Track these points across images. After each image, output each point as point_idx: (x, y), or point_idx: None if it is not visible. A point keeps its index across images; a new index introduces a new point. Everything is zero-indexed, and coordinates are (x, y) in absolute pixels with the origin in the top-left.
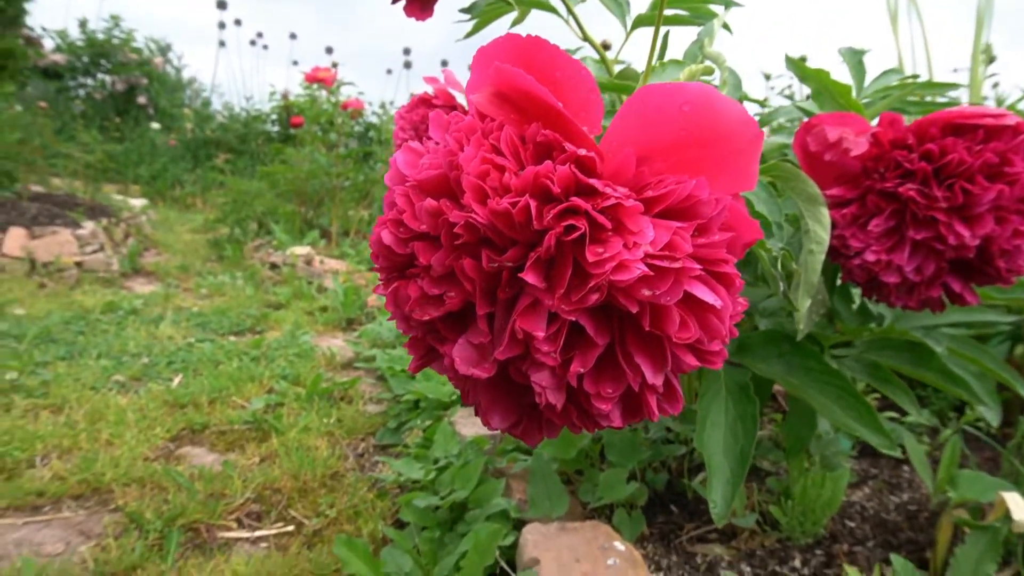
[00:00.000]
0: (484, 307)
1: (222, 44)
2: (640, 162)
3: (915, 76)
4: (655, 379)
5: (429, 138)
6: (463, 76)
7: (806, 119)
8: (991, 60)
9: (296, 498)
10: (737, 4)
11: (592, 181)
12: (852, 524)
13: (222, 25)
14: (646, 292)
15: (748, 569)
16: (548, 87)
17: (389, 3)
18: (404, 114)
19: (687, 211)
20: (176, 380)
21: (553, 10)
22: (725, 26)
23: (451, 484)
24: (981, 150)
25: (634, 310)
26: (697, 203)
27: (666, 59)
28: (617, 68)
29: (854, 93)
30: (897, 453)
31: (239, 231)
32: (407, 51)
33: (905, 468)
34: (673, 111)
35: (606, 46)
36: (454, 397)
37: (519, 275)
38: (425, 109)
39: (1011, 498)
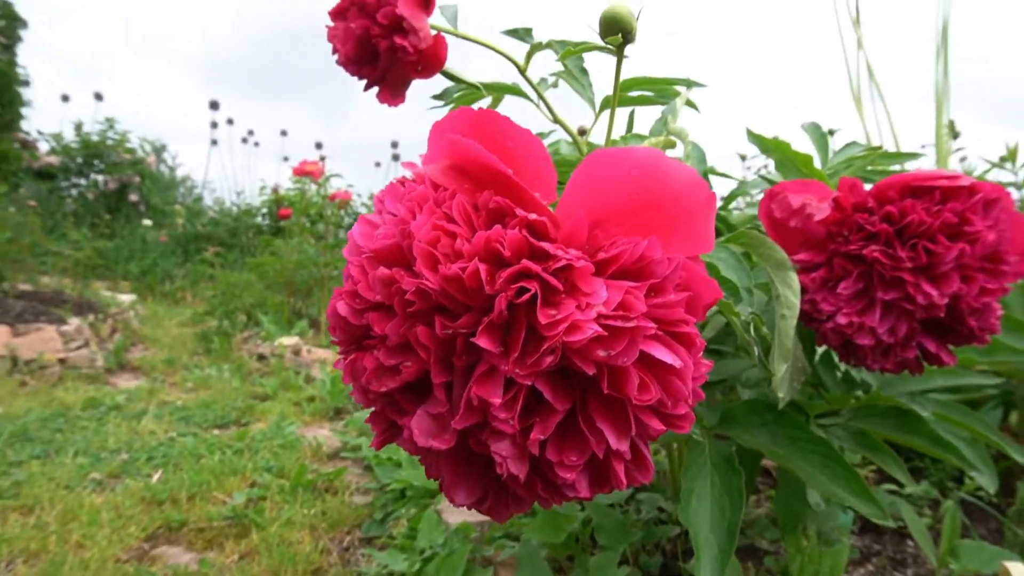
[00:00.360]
0: (440, 376)
1: (214, 142)
2: (594, 226)
3: (878, 148)
4: (619, 445)
5: (383, 210)
6: None
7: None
8: (955, 135)
9: None
10: (699, 85)
11: (544, 244)
12: None
13: (214, 124)
14: (601, 353)
15: None
16: (501, 157)
17: (370, 95)
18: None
19: (640, 271)
20: (155, 476)
21: (523, 95)
22: (690, 103)
23: (437, 575)
24: (939, 210)
25: (591, 372)
26: (650, 263)
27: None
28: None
29: (819, 165)
30: (889, 523)
31: (227, 323)
32: (395, 144)
33: (909, 543)
34: (622, 175)
35: (582, 131)
36: None
37: (472, 340)
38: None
39: (1014, 567)
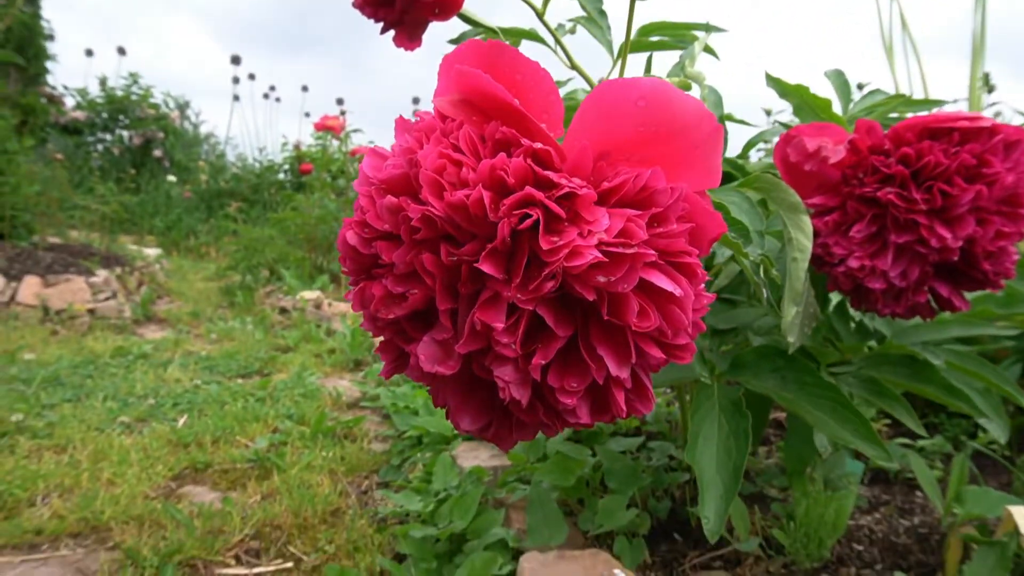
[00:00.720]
0: (446, 303)
1: (236, 98)
2: (599, 157)
3: (901, 95)
4: (620, 372)
5: (394, 144)
6: None
7: None
8: (991, 89)
9: (296, 535)
10: (719, 30)
11: (548, 173)
12: (860, 547)
13: (236, 80)
14: (601, 278)
15: None
16: (510, 89)
17: (391, 52)
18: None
19: (643, 201)
20: (181, 420)
21: (541, 40)
22: (709, 49)
23: (449, 516)
24: (957, 152)
25: (590, 298)
26: (653, 192)
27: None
28: None
29: (840, 111)
30: (895, 466)
31: (250, 278)
32: (416, 100)
33: (918, 494)
34: (629, 106)
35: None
36: (456, 432)
37: (476, 267)
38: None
39: (1018, 512)
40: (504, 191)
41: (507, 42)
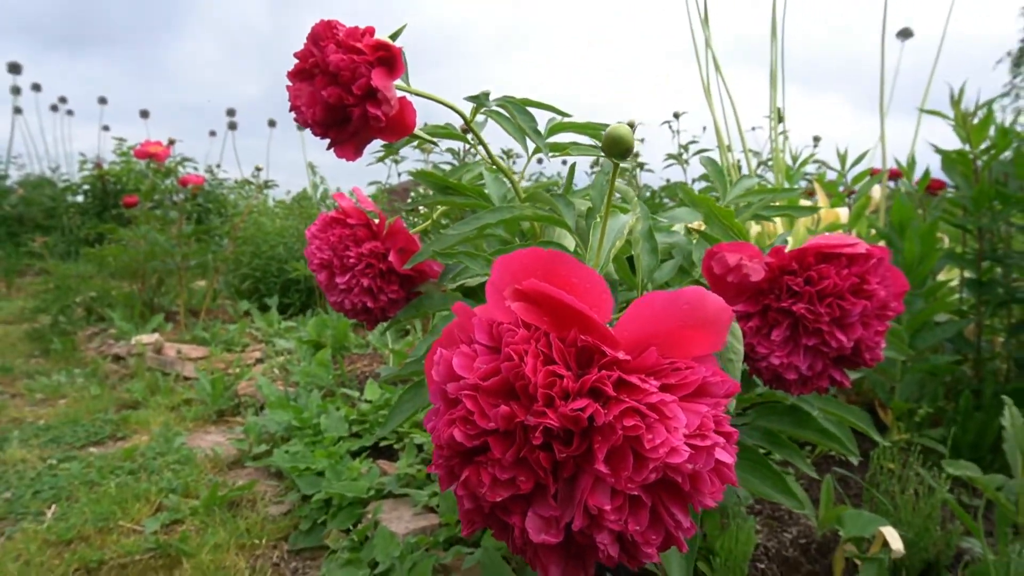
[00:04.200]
0: (553, 487)
1: (18, 111)
2: (649, 340)
3: (763, 183)
4: (686, 522)
5: (474, 341)
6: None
7: (706, 243)
8: (781, 119)
9: None
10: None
11: (632, 379)
12: (762, 566)
13: (17, 90)
14: (689, 467)
15: None
16: (568, 291)
17: (187, 38)
18: (318, 233)
19: (702, 391)
20: (49, 512)
21: (459, 137)
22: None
23: None
24: (847, 274)
25: (679, 480)
26: (709, 385)
27: (578, 179)
28: (524, 184)
29: (720, 200)
30: (807, 510)
31: (64, 319)
32: (231, 112)
33: (782, 505)
34: (676, 309)
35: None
36: (371, 493)
37: (584, 463)
38: (341, 229)
39: (888, 532)
40: (603, 399)
41: (435, 142)
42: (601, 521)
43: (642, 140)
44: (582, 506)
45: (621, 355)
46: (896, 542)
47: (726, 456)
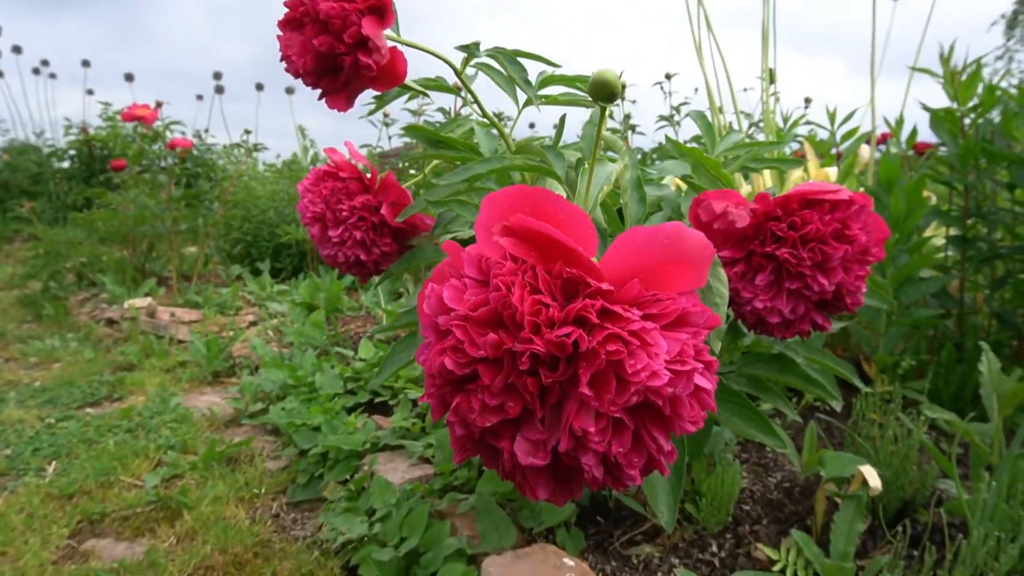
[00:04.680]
0: (540, 412)
1: None
2: (632, 275)
3: (754, 142)
4: (668, 445)
5: (464, 275)
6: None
7: (694, 193)
8: (773, 81)
9: (235, 572)
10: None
11: (616, 308)
12: (747, 507)
13: None
14: (669, 390)
15: (676, 560)
16: (555, 226)
17: (180, 12)
18: (310, 187)
19: (682, 321)
20: (51, 468)
21: (450, 90)
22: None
23: (398, 533)
24: (829, 220)
25: (660, 404)
26: (689, 314)
27: (568, 140)
28: (515, 139)
29: (709, 153)
30: (788, 449)
31: (55, 285)
32: (218, 75)
33: (768, 451)
34: (656, 244)
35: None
36: (367, 446)
37: (570, 388)
38: (333, 182)
39: (866, 470)
40: (587, 326)
41: (427, 93)
42: (586, 443)
43: (634, 102)
44: (567, 429)
45: (605, 286)
46: (874, 480)
47: (705, 382)
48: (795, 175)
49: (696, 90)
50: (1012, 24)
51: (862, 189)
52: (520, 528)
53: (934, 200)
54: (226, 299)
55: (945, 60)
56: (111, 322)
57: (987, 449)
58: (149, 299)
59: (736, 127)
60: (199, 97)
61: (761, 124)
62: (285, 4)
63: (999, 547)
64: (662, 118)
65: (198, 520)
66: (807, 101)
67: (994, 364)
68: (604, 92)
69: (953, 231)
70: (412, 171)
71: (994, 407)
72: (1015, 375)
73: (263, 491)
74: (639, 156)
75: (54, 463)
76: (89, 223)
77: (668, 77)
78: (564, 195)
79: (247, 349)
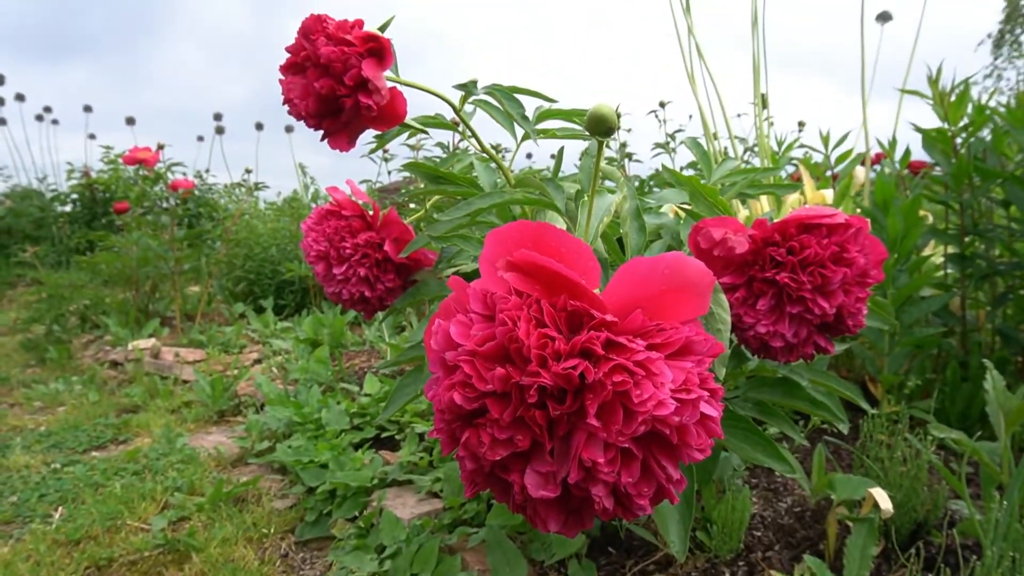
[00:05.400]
0: (549, 444)
1: (2, 122)
2: (635, 305)
3: (749, 168)
4: (676, 474)
5: (470, 311)
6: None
7: (693, 221)
8: (766, 106)
9: None
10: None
11: (620, 339)
12: (759, 534)
13: (0, 101)
14: (676, 419)
15: None
16: (557, 259)
17: (168, 46)
18: (314, 226)
19: (686, 349)
20: (57, 514)
21: (448, 126)
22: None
23: (409, 570)
24: (827, 243)
25: (667, 432)
26: (692, 343)
27: (567, 169)
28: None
29: (705, 180)
30: (797, 474)
31: (58, 328)
32: (218, 117)
33: (776, 474)
34: (657, 273)
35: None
36: (375, 482)
37: (578, 419)
38: (336, 220)
39: (877, 493)
40: (593, 358)
41: (427, 131)
42: (595, 474)
43: (629, 130)
44: (577, 460)
45: (609, 317)
46: (885, 502)
47: (711, 410)
48: (792, 198)
49: (690, 116)
50: (999, 43)
51: (859, 211)
52: (531, 561)
53: (931, 219)
54: (230, 337)
55: (933, 82)
56: (115, 364)
57: (997, 468)
58: (153, 340)
59: (731, 152)
60: (200, 138)
61: (756, 148)
62: (287, 49)
63: (1014, 567)
64: (658, 145)
65: (207, 562)
66: (800, 125)
67: (999, 382)
68: (601, 127)
69: (951, 249)
70: (412, 205)
71: (1001, 425)
72: (1020, 392)
73: (271, 531)
74: (636, 184)
75: (60, 509)
76: (92, 266)
77: (662, 105)
78: (565, 227)
79: (252, 387)
